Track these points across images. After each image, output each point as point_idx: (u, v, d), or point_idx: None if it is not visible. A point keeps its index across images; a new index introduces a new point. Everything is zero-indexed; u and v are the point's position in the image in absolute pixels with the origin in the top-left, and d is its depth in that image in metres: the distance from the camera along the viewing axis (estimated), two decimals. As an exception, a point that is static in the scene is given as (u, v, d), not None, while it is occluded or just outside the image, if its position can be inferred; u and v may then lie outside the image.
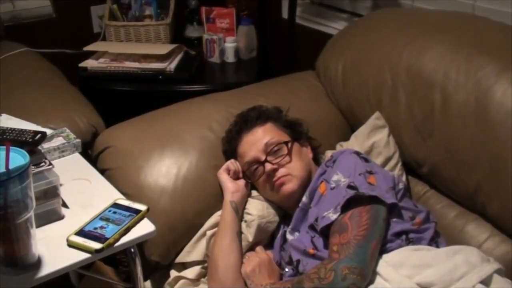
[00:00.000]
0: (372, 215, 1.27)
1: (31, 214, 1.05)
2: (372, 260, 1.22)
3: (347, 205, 1.30)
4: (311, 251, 1.36)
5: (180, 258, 1.54)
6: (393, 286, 1.18)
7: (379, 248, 1.26)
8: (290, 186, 1.47)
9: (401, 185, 1.44)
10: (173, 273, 1.54)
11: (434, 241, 1.36)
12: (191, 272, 1.52)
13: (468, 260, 1.22)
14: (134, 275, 1.35)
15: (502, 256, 1.42)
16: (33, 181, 1.06)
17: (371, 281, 1.21)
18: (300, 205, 1.45)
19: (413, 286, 1.17)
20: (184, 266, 1.55)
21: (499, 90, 1.40)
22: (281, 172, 1.47)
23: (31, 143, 1.42)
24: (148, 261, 1.53)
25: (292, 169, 1.48)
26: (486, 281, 1.20)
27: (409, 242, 1.31)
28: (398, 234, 1.31)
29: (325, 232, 1.33)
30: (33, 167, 1.29)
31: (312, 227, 1.38)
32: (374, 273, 1.22)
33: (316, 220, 1.36)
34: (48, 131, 1.53)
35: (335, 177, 1.38)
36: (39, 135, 1.45)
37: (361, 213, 1.28)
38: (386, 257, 1.26)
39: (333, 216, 1.30)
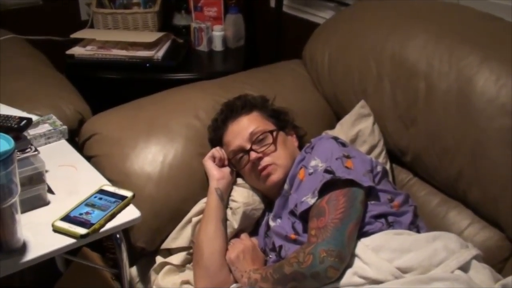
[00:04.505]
0: (348, 198, 1.29)
1: (16, 199, 1.06)
2: (350, 243, 1.24)
3: (325, 190, 1.31)
4: (293, 236, 1.38)
5: (165, 245, 1.55)
6: (372, 269, 1.20)
7: (357, 230, 1.27)
8: (275, 176, 1.48)
9: (379, 168, 1.46)
10: (159, 259, 1.55)
11: (414, 225, 1.38)
12: (176, 258, 1.54)
13: (447, 246, 1.25)
14: (120, 261, 1.36)
15: (482, 242, 1.45)
16: (19, 167, 1.07)
17: (351, 264, 1.22)
18: (281, 192, 1.47)
19: (393, 270, 1.19)
20: (170, 252, 1.56)
21: (481, 79, 1.42)
22: (266, 161, 1.48)
23: (16, 129, 1.42)
24: (134, 247, 1.54)
25: (277, 158, 1.49)
26: (465, 267, 1.22)
27: (389, 225, 1.33)
28: (376, 217, 1.33)
29: (305, 217, 1.34)
30: (18, 153, 1.29)
31: (292, 213, 1.40)
32: (354, 256, 1.24)
33: (296, 206, 1.37)
34: (34, 118, 1.54)
35: (313, 163, 1.39)
36: (24, 121, 1.46)
37: (338, 196, 1.29)
38: (365, 240, 1.27)
39: (311, 201, 1.32)
